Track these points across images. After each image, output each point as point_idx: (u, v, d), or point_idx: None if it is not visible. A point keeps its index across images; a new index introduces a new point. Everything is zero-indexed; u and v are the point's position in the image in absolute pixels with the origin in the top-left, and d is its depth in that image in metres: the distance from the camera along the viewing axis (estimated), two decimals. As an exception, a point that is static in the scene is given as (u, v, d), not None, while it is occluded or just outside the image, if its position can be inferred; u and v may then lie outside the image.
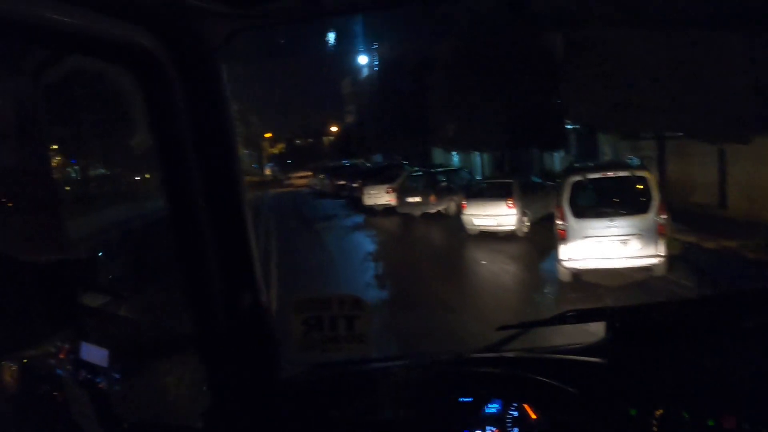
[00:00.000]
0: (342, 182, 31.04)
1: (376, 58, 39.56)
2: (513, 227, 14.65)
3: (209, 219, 1.59)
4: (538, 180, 17.91)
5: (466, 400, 1.77)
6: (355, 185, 26.68)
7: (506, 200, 14.62)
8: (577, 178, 10.14)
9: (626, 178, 10.02)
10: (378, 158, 40.54)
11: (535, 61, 18.47)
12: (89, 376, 1.68)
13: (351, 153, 42.96)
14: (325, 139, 71.94)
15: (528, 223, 14.97)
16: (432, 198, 19.27)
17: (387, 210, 21.67)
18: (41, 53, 1.74)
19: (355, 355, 1.76)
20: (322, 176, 38.30)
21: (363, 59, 46.73)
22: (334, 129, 66.61)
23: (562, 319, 1.84)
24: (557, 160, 32.23)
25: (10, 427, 1.72)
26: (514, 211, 14.58)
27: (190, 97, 1.51)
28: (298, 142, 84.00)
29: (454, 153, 31.50)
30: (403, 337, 7.42)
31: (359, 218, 21.61)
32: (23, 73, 1.77)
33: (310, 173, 44.39)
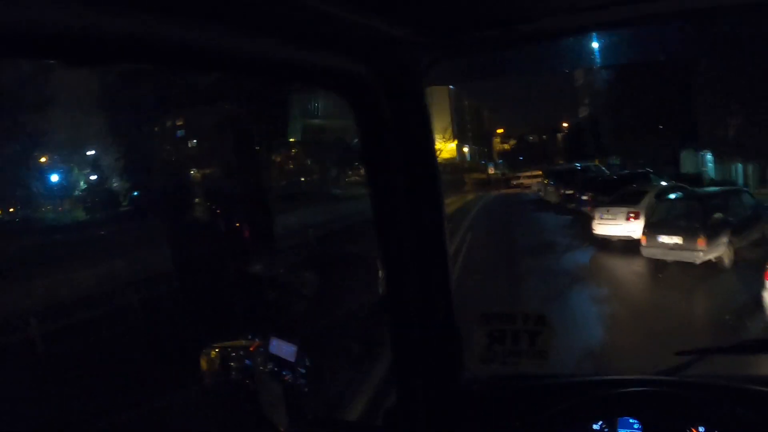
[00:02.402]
0: (569, 192, 25.12)
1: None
2: None
3: (411, 231, 1.74)
4: None
5: (635, 422, 1.73)
6: (584, 198, 20.99)
7: None
8: None
9: None
10: (613, 161, 33.21)
11: None
12: (276, 369, 1.87)
13: (583, 153, 36.67)
14: (558, 135, 66.90)
15: None
16: (700, 241, 11.93)
17: (626, 245, 14.87)
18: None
19: (534, 370, 1.86)
20: (546, 181, 32.43)
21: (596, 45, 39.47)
22: (566, 125, 60.34)
23: (744, 348, 1.75)
24: None
25: (205, 407, 2.00)
26: None
27: (397, 117, 1.68)
28: (530, 138, 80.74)
29: (710, 161, 23.47)
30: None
31: (584, 256, 15.33)
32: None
33: (539, 172, 39.90)
